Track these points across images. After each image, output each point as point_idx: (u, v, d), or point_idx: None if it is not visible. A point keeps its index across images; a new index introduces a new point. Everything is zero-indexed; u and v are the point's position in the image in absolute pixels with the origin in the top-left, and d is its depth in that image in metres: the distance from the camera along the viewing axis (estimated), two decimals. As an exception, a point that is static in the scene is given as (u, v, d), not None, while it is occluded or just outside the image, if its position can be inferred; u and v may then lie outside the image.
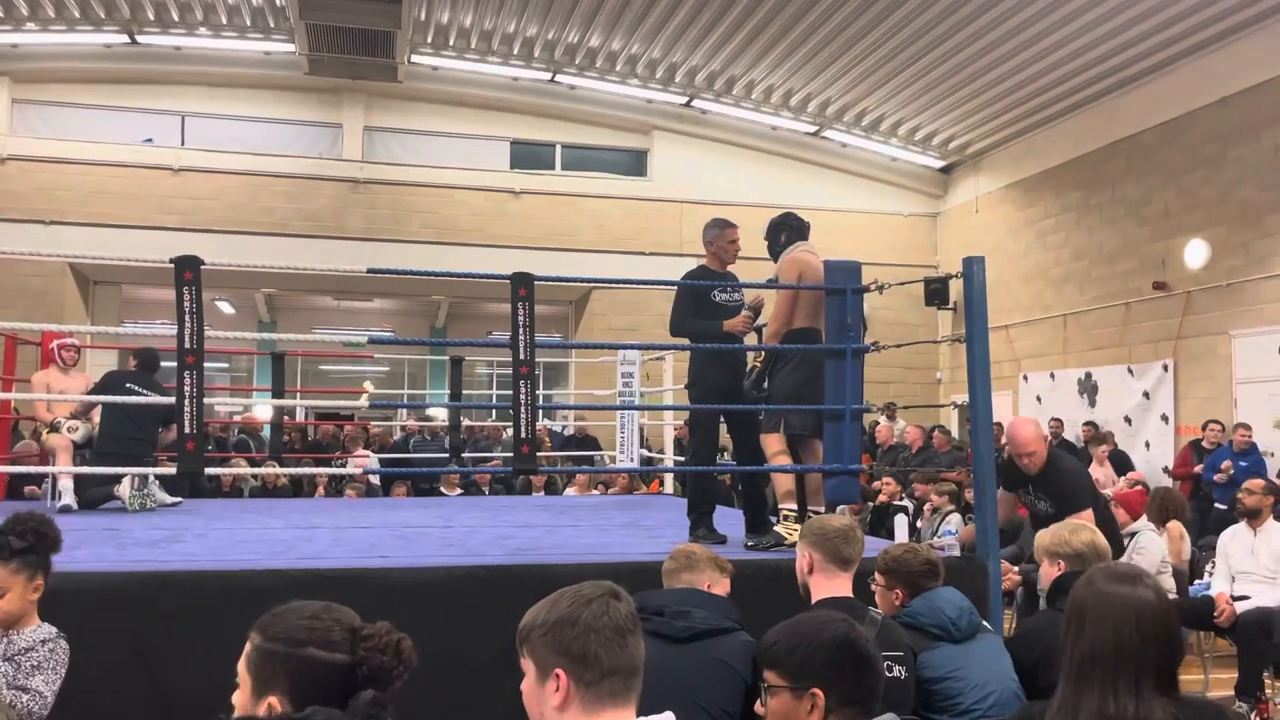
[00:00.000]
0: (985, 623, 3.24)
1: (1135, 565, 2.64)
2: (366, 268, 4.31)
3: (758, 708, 2.14)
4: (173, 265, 4.02)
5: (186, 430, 3.97)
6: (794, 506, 4.65)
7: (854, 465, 4.69)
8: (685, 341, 5.17)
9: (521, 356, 4.39)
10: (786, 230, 5.28)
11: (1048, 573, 3.10)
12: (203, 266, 4.04)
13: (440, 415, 12.93)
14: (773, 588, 4.00)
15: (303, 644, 1.68)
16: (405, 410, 14.26)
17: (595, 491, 10.92)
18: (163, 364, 7.29)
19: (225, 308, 17.39)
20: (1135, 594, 1.90)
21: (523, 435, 4.39)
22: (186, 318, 3.98)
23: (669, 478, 9.99)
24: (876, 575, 3.19)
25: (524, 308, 4.42)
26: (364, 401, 9.16)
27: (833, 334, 4.78)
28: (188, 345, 3.98)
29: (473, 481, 10.93)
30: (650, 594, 2.79)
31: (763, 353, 5.14)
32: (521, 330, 4.41)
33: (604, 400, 10.74)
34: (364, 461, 10.64)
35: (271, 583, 3.83)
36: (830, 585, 2.87)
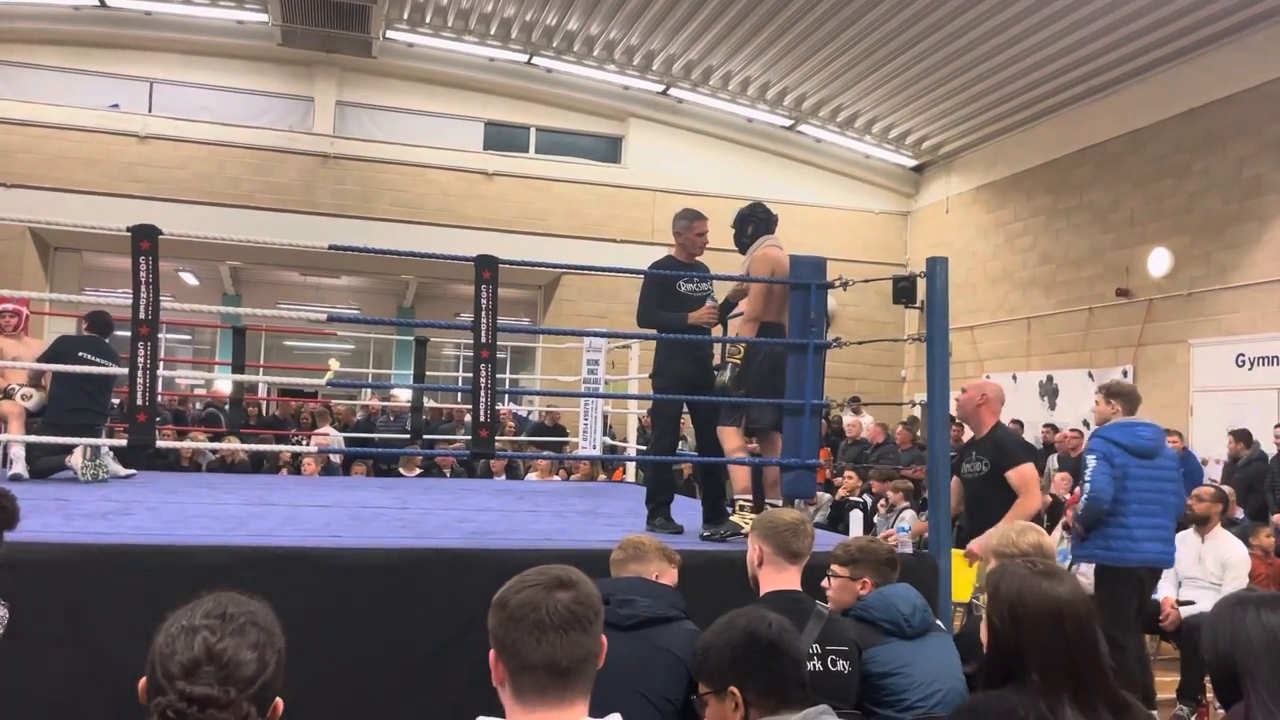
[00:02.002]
0: (938, 621, 3.26)
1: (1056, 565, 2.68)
2: (329, 244, 4.26)
3: None
4: (129, 234, 3.94)
5: (139, 402, 3.90)
6: (750, 497, 4.66)
7: (812, 460, 4.70)
8: (651, 331, 5.16)
9: (483, 339, 4.36)
10: (754, 223, 5.26)
11: (995, 573, 3.12)
12: (164, 236, 3.97)
13: (404, 396, 12.85)
14: (724, 579, 4.02)
15: None
16: (369, 390, 14.15)
17: (557, 478, 10.90)
18: (116, 332, 7.18)
19: (189, 279, 17.16)
20: (1060, 592, 1.94)
21: (481, 419, 4.37)
22: (142, 288, 3.91)
23: (631, 466, 9.99)
24: (835, 568, 3.20)
25: (487, 290, 4.38)
26: (327, 379, 9.12)
27: (795, 329, 4.79)
28: (143, 315, 3.91)
29: (434, 463, 10.87)
30: (595, 582, 2.79)
31: (743, 348, 5.09)
32: (484, 313, 4.37)
33: (569, 387, 10.72)
34: (325, 440, 10.54)
35: (218, 559, 3.79)
36: (779, 578, 2.88)
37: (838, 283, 4.86)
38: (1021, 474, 4.83)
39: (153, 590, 3.67)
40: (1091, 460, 5.08)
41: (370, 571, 3.88)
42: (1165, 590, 6.25)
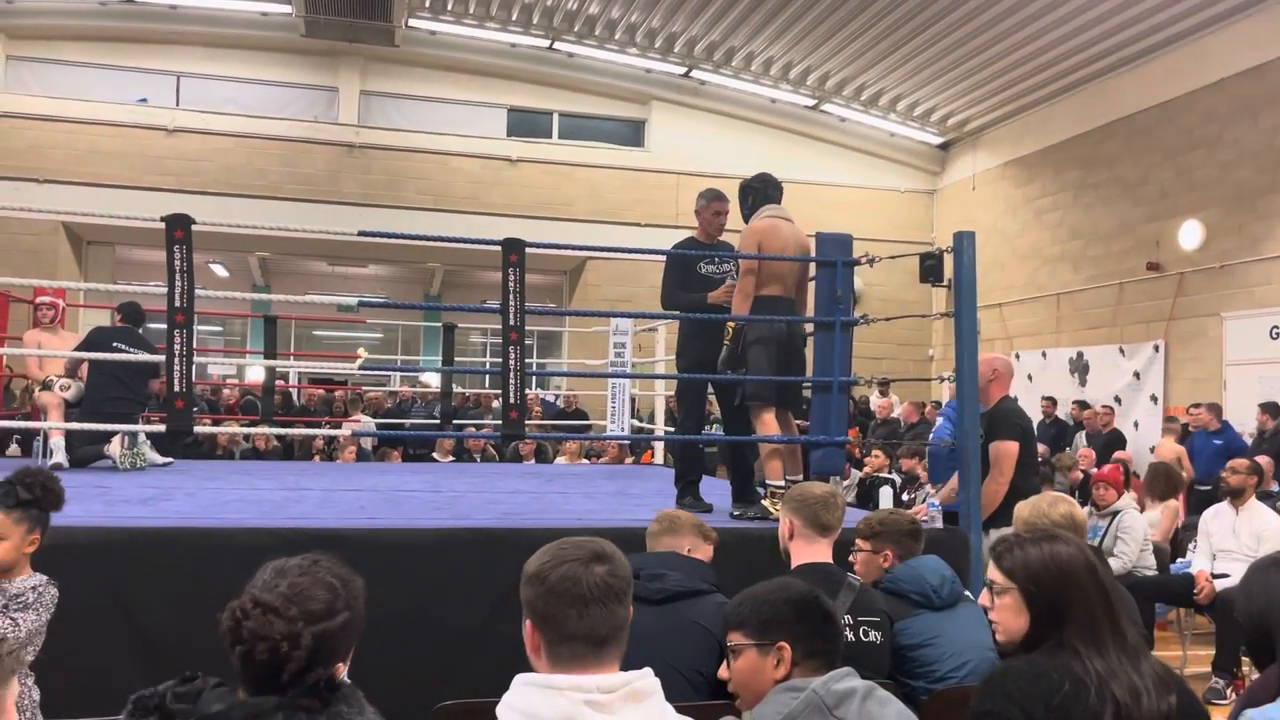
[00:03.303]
0: (967, 593, 3.27)
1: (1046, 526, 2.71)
2: (358, 230, 4.31)
3: (722, 672, 2.18)
4: (163, 224, 4.01)
5: (175, 389, 3.98)
6: (780, 482, 4.67)
7: (840, 437, 4.71)
8: (674, 313, 5.17)
9: (511, 322, 4.40)
10: (752, 193, 5.03)
11: (1025, 545, 3.13)
12: (195, 226, 4.03)
13: (434, 382, 12.95)
14: (755, 555, 4.04)
15: None
16: (399, 377, 14.28)
17: (585, 461, 10.97)
18: (149, 324, 7.31)
19: (219, 270, 17.34)
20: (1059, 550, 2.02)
21: (511, 401, 4.41)
22: (177, 276, 3.98)
23: (660, 449, 10.03)
24: (859, 541, 3.22)
25: (514, 274, 4.42)
26: (356, 366, 9.23)
27: (822, 306, 4.78)
28: (178, 304, 3.98)
29: (464, 448, 10.96)
30: (628, 557, 2.82)
31: (731, 328, 4.87)
32: (511, 296, 4.41)
33: (596, 369, 10.76)
34: (356, 425, 10.66)
35: (258, 540, 3.86)
36: (810, 551, 2.91)
37: (864, 259, 4.86)
38: (998, 449, 4.79)
39: (193, 571, 3.76)
40: None
41: (406, 551, 3.95)
42: (1200, 563, 6.23)
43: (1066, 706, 1.81)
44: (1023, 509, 3.19)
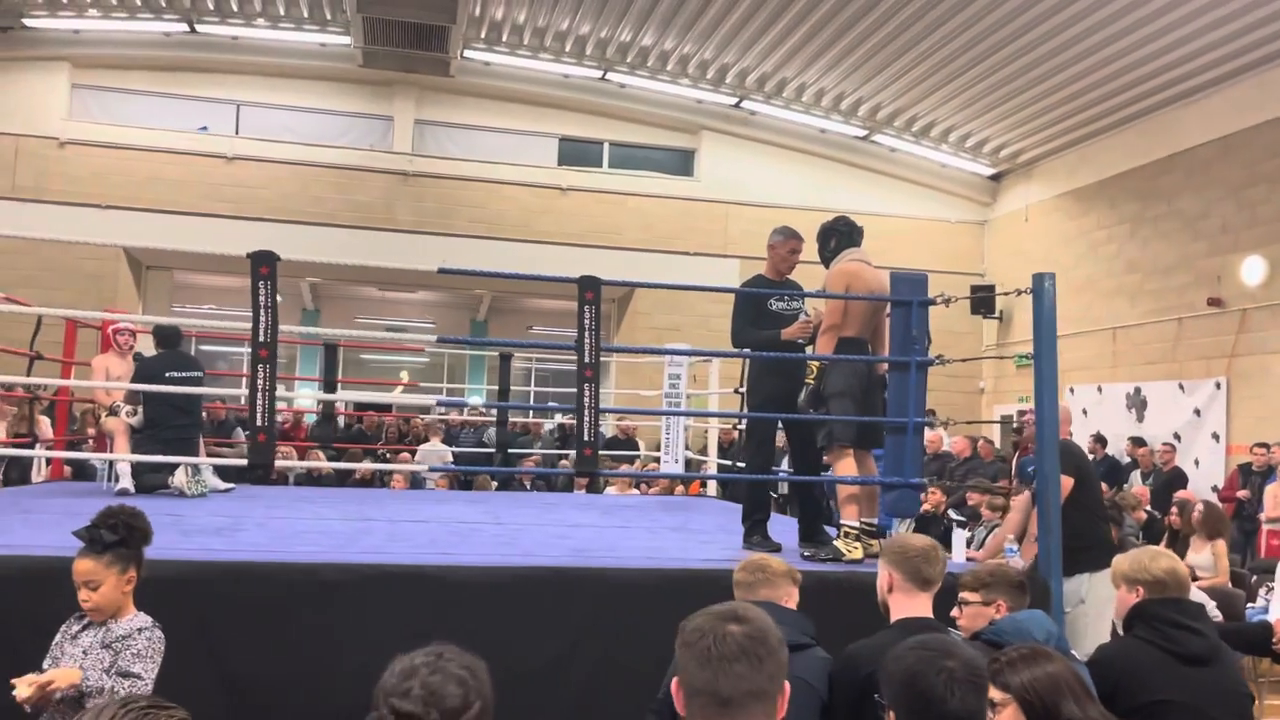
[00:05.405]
0: (1074, 651, 3.20)
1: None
2: (438, 267, 4.34)
3: None
4: (249, 260, 4.06)
5: (259, 423, 4.01)
6: (854, 522, 4.62)
7: (915, 479, 4.66)
8: (729, 348, 5.20)
9: (587, 359, 4.41)
10: (836, 236, 5.13)
11: (1125, 599, 3.05)
12: (280, 261, 4.08)
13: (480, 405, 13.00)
14: (830, 600, 3.99)
15: None
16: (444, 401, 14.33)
17: (635, 491, 10.92)
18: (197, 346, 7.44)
19: (271, 295, 17.56)
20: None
21: (586, 437, 4.41)
22: (262, 311, 4.03)
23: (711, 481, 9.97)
24: (965, 594, 3.16)
25: (590, 311, 4.43)
26: (399, 393, 9.27)
27: (897, 346, 4.75)
28: (262, 339, 4.02)
29: (512, 476, 10.98)
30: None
31: (816, 368, 4.94)
32: (587, 333, 4.42)
33: (649, 400, 10.75)
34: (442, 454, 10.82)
35: (339, 576, 3.88)
36: (910, 605, 2.85)
37: (939, 299, 4.81)
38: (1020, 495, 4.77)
39: (276, 605, 3.78)
40: None
41: (481, 589, 3.94)
42: (1277, 611, 6.05)
43: None
44: (1121, 563, 3.11)
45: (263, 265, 4.05)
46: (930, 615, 2.87)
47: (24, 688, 2.53)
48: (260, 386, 4.03)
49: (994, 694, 2.25)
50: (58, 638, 2.85)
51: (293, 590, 3.76)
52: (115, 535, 2.81)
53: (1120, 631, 3.19)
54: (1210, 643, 2.94)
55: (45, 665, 2.73)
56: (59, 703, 2.61)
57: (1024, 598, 3.10)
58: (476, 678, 1.66)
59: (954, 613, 3.15)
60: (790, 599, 2.98)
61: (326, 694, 3.69)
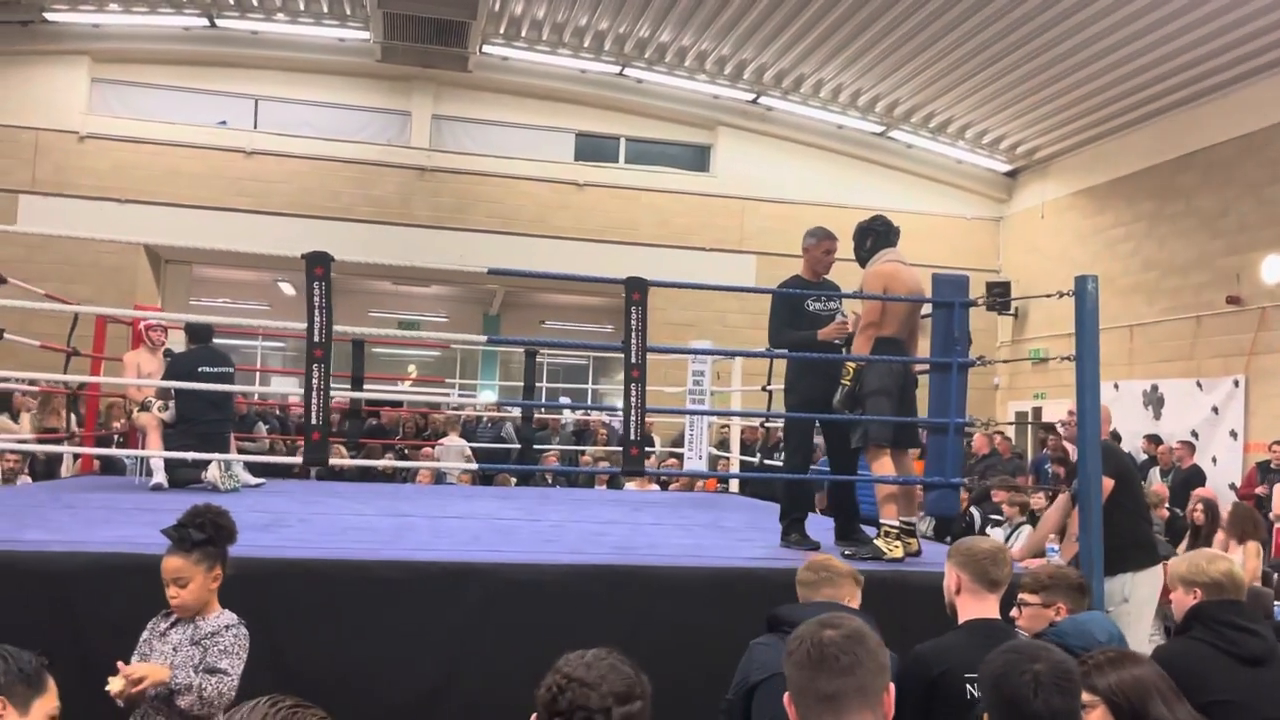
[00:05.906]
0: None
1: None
2: (488, 268, 4.38)
3: None
4: (304, 260, 4.11)
5: (313, 421, 4.06)
6: (894, 521, 4.67)
7: (956, 479, 4.70)
8: (746, 344, 5.24)
9: (634, 360, 4.45)
10: (872, 235, 5.17)
11: (1182, 601, 3.09)
12: (335, 261, 4.12)
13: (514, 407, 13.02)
14: (872, 597, 4.02)
15: None
16: (453, 395, 14.36)
17: (654, 486, 10.96)
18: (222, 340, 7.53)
19: (287, 289, 17.65)
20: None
21: (632, 437, 4.45)
22: (316, 312, 4.07)
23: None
24: (1025, 596, 3.20)
25: (637, 312, 4.48)
26: (406, 385, 9.30)
27: (939, 347, 4.79)
28: (317, 339, 4.07)
29: (532, 471, 10.99)
30: (796, 608, 2.84)
31: (852, 369, 4.92)
32: (634, 334, 4.46)
33: (669, 398, 10.78)
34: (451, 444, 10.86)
35: (393, 573, 3.93)
36: (978, 606, 2.90)
37: (981, 301, 4.85)
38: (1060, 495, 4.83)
39: (335, 602, 3.83)
40: None
41: (531, 585, 3.99)
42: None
43: None
44: (1179, 565, 3.15)
45: (317, 266, 4.09)
46: (997, 616, 2.91)
47: (117, 682, 2.58)
48: (315, 386, 4.08)
49: (1082, 696, 2.29)
50: (145, 634, 2.90)
51: (349, 586, 3.82)
52: (203, 534, 2.86)
53: (1164, 629, 3.24)
54: (1269, 644, 2.98)
55: (133, 662, 2.78)
56: (152, 699, 2.66)
57: (1084, 600, 3.15)
58: (642, 681, 1.75)
59: (1013, 614, 3.19)
60: (853, 599, 3.03)
61: (384, 690, 3.74)
